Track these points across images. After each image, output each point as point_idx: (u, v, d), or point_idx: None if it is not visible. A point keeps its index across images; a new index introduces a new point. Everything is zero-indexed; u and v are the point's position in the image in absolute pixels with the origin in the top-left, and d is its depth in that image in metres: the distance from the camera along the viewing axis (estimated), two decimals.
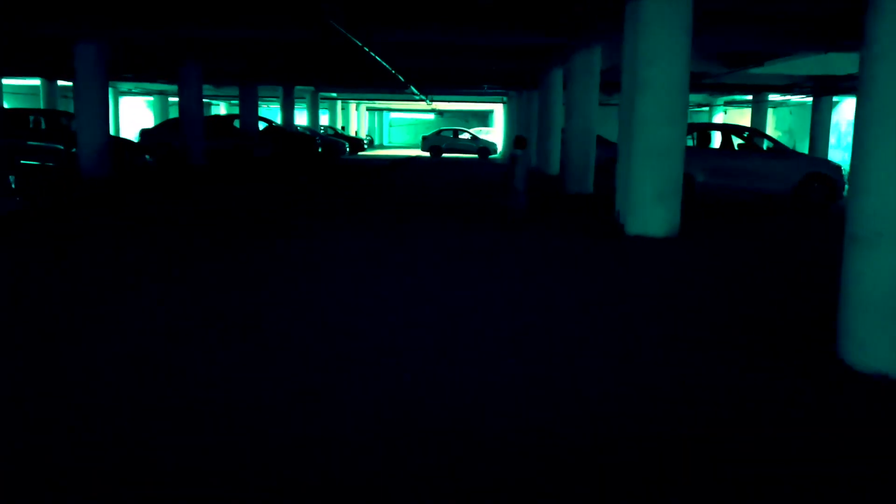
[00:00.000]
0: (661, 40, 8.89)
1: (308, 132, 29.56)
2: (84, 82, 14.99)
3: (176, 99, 25.54)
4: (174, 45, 18.45)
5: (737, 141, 14.70)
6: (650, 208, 9.10)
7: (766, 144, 14.88)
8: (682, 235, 9.09)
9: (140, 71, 23.92)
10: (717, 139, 15.49)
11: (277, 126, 26.91)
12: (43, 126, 17.49)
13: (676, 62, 8.93)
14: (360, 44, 14.05)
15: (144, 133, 23.14)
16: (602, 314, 5.50)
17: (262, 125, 26.06)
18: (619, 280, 6.83)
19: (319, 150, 27.12)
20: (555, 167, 19.99)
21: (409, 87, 26.05)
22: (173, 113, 32.35)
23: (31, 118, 17.39)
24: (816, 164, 13.98)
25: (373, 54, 15.89)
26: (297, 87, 29.91)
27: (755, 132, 14.76)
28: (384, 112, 60.03)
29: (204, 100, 44.07)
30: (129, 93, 38.40)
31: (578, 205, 13.13)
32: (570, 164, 15.07)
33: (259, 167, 21.44)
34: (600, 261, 7.87)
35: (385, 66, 18.83)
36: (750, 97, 30.40)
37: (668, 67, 8.90)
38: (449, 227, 9.88)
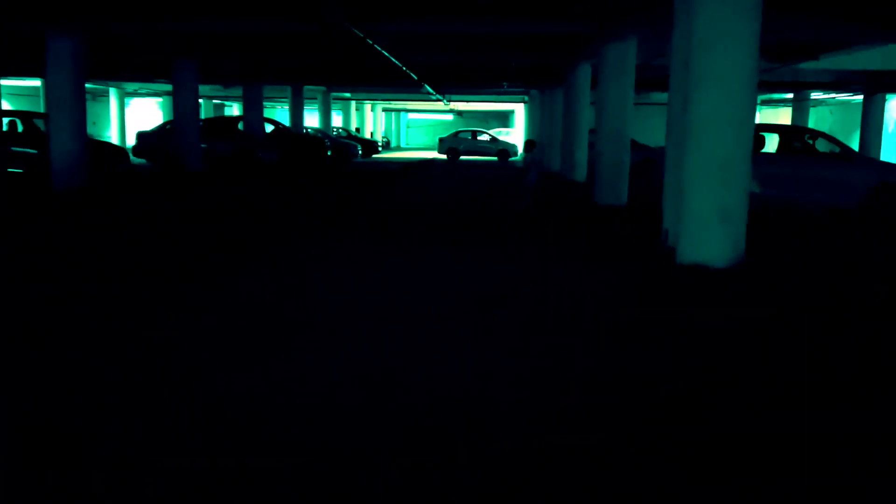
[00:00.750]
0: (724, 20, 7.11)
1: (319, 134, 27.91)
2: (56, 81, 13.31)
3: None
4: (159, 41, 16.84)
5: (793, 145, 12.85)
6: (709, 230, 7.29)
7: (824, 148, 13.02)
8: (750, 265, 7.29)
9: (135, 70, 22.38)
10: (773, 143, 13.61)
11: (285, 128, 25.18)
12: (20, 129, 16.06)
13: (743, 48, 7.12)
14: (361, 35, 12.37)
15: (141, 136, 21.70)
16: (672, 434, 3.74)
17: (269, 127, 24.33)
18: (689, 352, 4.97)
19: (329, 153, 25.47)
20: (581, 173, 18.21)
21: (422, 85, 24.34)
22: None
23: (6, 120, 15.94)
24: (891, 171, 12.04)
25: (378, 47, 14.20)
26: (308, 87, 28.14)
27: (818, 134, 12.87)
28: (401, 113, 58.55)
29: (216, 101, 43.35)
30: (136, 93, 37.10)
31: (612, 220, 11.31)
32: (601, 171, 13.23)
33: (262, 172, 19.89)
34: (649, 312, 5.87)
35: (395, 63, 17.16)
36: (790, 95, 28.43)
37: (732, 55, 7.10)
38: (455, 251, 8.16)
